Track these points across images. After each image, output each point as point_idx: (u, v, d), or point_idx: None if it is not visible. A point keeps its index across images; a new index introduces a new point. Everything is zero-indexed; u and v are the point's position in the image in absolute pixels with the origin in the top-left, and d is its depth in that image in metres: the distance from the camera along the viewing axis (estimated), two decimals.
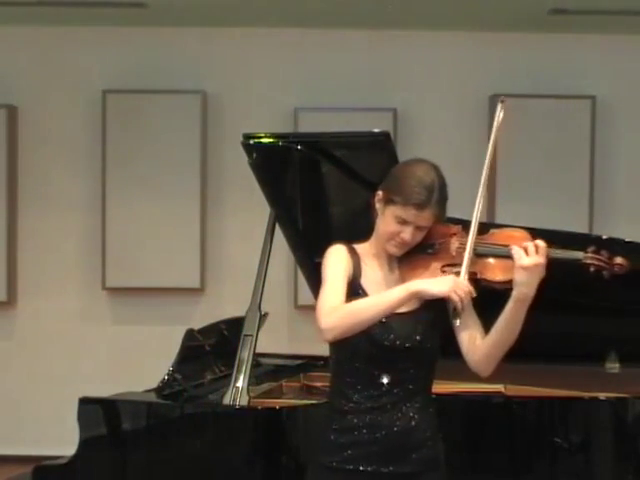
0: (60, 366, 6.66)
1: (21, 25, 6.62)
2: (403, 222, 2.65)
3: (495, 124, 2.75)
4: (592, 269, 2.60)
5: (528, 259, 2.54)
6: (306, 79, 6.68)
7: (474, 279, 2.66)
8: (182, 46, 6.68)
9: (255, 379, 3.89)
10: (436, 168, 2.72)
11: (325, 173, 3.88)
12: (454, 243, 2.71)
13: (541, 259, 2.54)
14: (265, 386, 4.06)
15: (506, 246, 2.60)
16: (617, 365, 4.27)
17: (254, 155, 3.80)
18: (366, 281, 2.71)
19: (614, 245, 3.92)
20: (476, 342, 2.67)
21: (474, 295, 2.57)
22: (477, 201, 2.72)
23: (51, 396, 6.56)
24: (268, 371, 4.35)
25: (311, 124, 6.12)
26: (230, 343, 3.93)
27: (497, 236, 2.70)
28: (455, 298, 2.54)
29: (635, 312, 4.04)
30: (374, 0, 6.00)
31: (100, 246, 6.61)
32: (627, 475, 3.66)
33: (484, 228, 2.72)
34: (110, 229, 6.58)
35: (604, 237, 4.08)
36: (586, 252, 2.63)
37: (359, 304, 2.59)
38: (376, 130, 3.75)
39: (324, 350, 2.84)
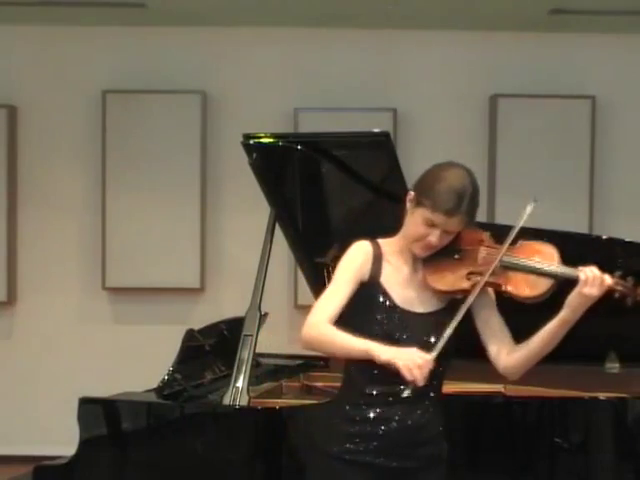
0: (60, 366, 6.66)
1: (21, 25, 6.61)
2: (432, 225, 2.64)
3: (524, 218, 2.72)
4: (617, 295, 2.63)
5: (590, 289, 2.57)
6: (306, 79, 6.67)
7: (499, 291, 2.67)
8: (182, 46, 6.67)
9: (255, 379, 3.88)
10: (470, 174, 2.69)
11: (325, 173, 3.87)
12: (482, 252, 2.70)
13: (600, 293, 2.58)
14: (265, 386, 4.06)
15: (532, 260, 2.60)
16: (617, 365, 4.26)
17: (254, 155, 3.80)
18: (387, 280, 2.70)
19: (614, 245, 3.94)
20: (504, 350, 2.69)
21: (425, 384, 2.50)
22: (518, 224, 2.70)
23: (51, 396, 6.56)
24: (268, 371, 4.35)
25: (311, 124, 6.11)
26: (230, 343, 3.93)
27: (525, 249, 2.69)
28: (407, 374, 2.48)
29: (635, 312, 4.02)
30: (375, 0, 5.99)
31: (100, 246, 6.60)
32: (627, 475, 3.66)
33: (514, 238, 2.71)
34: (110, 229, 6.57)
35: (604, 237, 4.08)
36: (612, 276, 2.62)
37: (335, 337, 2.57)
38: (376, 130, 3.75)
39: None
